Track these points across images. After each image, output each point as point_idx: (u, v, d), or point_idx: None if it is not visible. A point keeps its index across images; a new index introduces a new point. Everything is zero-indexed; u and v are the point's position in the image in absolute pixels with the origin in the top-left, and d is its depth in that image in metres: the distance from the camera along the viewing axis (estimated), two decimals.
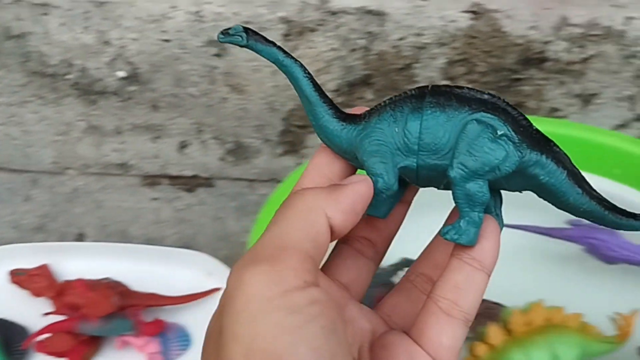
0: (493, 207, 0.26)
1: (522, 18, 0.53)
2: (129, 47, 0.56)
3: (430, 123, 0.24)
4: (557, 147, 0.25)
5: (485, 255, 0.25)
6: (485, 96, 0.25)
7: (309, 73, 0.28)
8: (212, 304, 0.55)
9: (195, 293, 0.55)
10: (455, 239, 0.24)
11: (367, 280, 0.28)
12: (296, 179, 0.48)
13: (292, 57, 0.28)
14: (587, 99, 0.56)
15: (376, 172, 0.25)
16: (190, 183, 0.64)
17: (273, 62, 0.28)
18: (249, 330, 0.20)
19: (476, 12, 0.53)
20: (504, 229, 0.26)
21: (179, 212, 0.65)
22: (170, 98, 0.59)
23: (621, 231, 0.49)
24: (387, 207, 0.27)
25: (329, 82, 0.57)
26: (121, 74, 0.57)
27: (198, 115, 0.60)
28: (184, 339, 0.54)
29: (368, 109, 0.27)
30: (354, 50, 0.55)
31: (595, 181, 0.52)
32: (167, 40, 0.56)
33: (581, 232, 0.49)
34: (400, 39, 0.54)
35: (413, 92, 0.25)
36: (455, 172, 0.24)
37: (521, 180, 0.25)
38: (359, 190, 0.24)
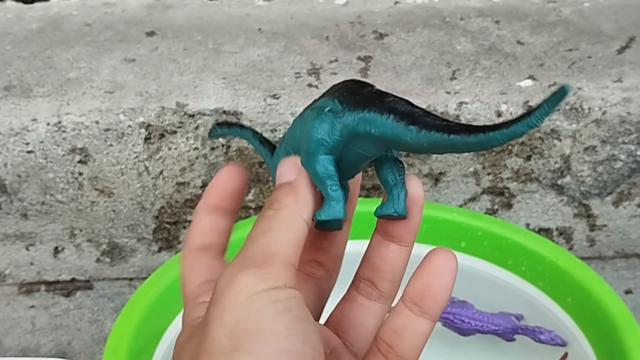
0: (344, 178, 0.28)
1: None
2: None
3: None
4: (394, 97, 0.26)
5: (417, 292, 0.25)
6: (346, 83, 0.27)
7: (259, 135, 0.32)
8: None
9: None
10: (323, 218, 0.26)
11: (321, 301, 0.30)
12: (165, 272, 0.50)
13: (249, 129, 0.32)
14: (437, 177, 0.60)
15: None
16: (68, 287, 0.65)
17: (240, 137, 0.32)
18: (234, 315, 0.23)
19: None
20: None
21: (56, 319, 0.65)
22: (39, 206, 0.60)
23: (471, 302, 0.53)
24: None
25: (195, 179, 0.59)
26: None
27: (69, 220, 0.61)
28: None
29: None
30: (214, 148, 0.58)
31: None
32: (30, 152, 0.57)
33: None
34: None
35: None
36: (301, 160, 0.27)
37: (366, 142, 0.26)
38: (305, 177, 0.27)
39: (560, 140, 0.58)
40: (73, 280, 0.64)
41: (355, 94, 0.26)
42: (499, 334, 0.50)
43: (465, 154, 0.59)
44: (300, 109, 0.58)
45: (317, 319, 0.30)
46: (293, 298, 0.24)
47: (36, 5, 0.73)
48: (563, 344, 0.47)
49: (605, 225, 0.63)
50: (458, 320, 0.50)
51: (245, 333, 0.23)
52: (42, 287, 0.65)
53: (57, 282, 0.64)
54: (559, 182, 0.60)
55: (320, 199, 0.27)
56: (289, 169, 0.27)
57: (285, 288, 0.24)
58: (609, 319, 0.45)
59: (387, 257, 0.28)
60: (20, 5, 0.73)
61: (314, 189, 0.27)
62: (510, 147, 0.58)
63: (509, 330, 0.50)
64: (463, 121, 0.58)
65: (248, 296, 0.23)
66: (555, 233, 0.63)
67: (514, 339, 0.50)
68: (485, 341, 0.51)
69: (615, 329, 0.44)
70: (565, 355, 0.48)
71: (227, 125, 0.33)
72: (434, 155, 0.59)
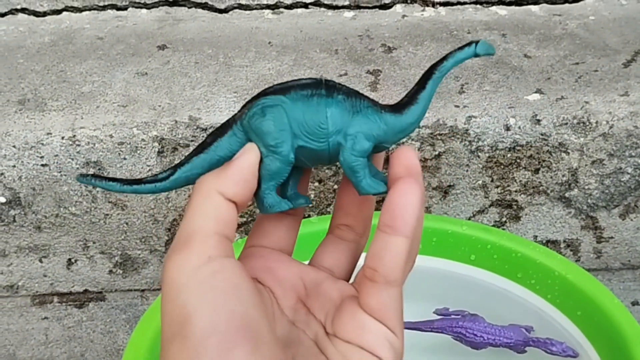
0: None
1: None
2: (7, 174, 0.58)
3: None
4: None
5: (388, 217, 0.26)
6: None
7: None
8: None
9: None
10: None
11: (352, 262, 0.31)
12: None
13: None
14: (445, 190, 0.61)
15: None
16: (81, 299, 0.65)
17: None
18: (169, 303, 0.25)
19: None
20: None
21: (69, 330, 0.66)
22: (53, 219, 0.60)
23: (482, 315, 0.54)
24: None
25: None
26: (1, 199, 0.59)
27: (83, 233, 0.61)
28: None
29: None
30: None
31: (454, 267, 0.56)
32: (45, 165, 0.58)
33: (449, 322, 0.53)
34: None
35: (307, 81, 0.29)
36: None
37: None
38: (243, 161, 0.28)
39: (568, 153, 0.59)
40: (86, 291, 0.65)
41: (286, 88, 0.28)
42: (510, 346, 0.51)
43: (475, 167, 0.60)
44: None
45: (347, 278, 0.31)
46: (218, 271, 0.26)
47: (48, 18, 0.74)
48: (575, 355, 0.48)
49: (612, 237, 0.63)
50: (470, 334, 0.51)
51: (178, 320, 0.25)
52: (55, 299, 0.65)
53: (70, 293, 0.65)
54: (567, 194, 0.61)
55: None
56: (238, 153, 0.28)
57: (208, 262, 0.26)
58: (618, 332, 0.45)
59: (356, 200, 0.30)
60: (33, 18, 0.74)
61: (255, 171, 0.28)
62: (518, 161, 0.59)
63: (521, 342, 0.50)
64: (472, 135, 0.58)
65: (176, 285, 0.25)
66: (562, 245, 0.64)
67: (525, 351, 0.51)
68: (497, 354, 0.52)
69: (625, 342, 0.44)
70: None
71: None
72: (443, 168, 0.60)
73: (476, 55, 0.29)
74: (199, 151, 0.30)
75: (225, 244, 0.27)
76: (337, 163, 0.29)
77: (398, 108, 0.29)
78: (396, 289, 0.27)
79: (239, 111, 0.29)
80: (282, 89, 0.28)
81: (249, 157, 0.28)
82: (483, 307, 0.53)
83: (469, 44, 0.29)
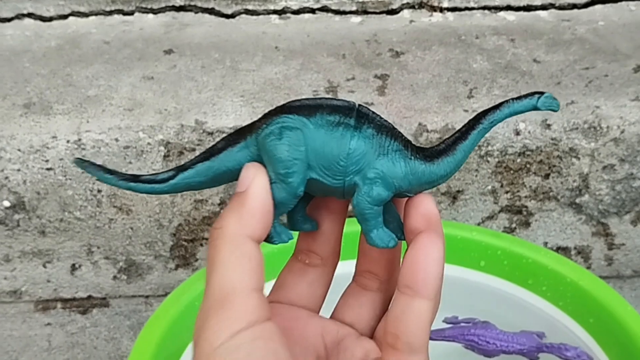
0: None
1: None
2: (12, 178, 0.57)
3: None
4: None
5: (410, 279, 0.25)
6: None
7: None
8: None
9: None
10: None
11: (374, 314, 0.29)
12: (185, 290, 0.50)
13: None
14: (454, 195, 0.60)
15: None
16: (85, 305, 0.65)
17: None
18: None
19: None
20: None
21: (72, 336, 0.65)
22: (58, 223, 0.60)
23: (493, 322, 0.53)
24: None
25: (213, 197, 0.60)
26: (6, 203, 0.58)
27: (87, 238, 0.61)
28: None
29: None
30: None
31: (463, 273, 0.55)
32: (49, 169, 0.57)
33: (460, 330, 0.52)
34: None
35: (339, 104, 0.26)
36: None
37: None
38: (259, 192, 0.25)
39: (579, 158, 0.58)
40: (89, 297, 0.64)
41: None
42: (524, 353, 0.50)
43: (484, 172, 0.59)
44: None
45: (372, 332, 0.29)
46: (259, 337, 0.24)
47: (54, 23, 0.74)
48: None
49: (623, 244, 0.63)
50: (483, 342, 0.50)
51: None
52: (59, 305, 0.65)
53: (74, 299, 0.64)
54: (577, 200, 0.60)
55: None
56: (245, 177, 0.26)
57: (247, 329, 0.24)
58: (632, 340, 0.44)
59: (374, 254, 0.28)
60: (39, 23, 0.74)
61: (269, 199, 0.25)
62: (528, 166, 0.58)
63: (534, 348, 0.49)
64: (481, 140, 0.58)
65: (213, 349, 0.23)
66: (573, 252, 0.63)
67: (538, 358, 0.50)
68: None
69: (639, 350, 0.43)
70: None
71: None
72: None
73: (536, 108, 0.26)
74: (205, 157, 0.27)
75: (264, 304, 0.25)
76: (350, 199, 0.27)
77: (431, 156, 0.26)
78: (421, 356, 0.25)
79: (257, 121, 0.27)
80: (308, 108, 0.26)
81: (259, 183, 0.25)
82: (493, 314, 0.52)
83: (530, 95, 0.26)
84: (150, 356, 0.45)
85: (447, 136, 0.57)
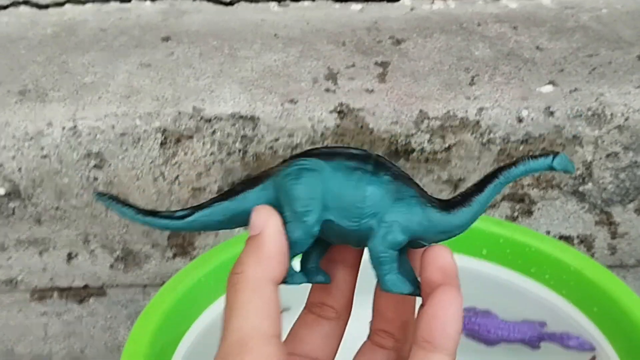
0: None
1: (385, 115, 0.57)
2: (7, 165, 0.56)
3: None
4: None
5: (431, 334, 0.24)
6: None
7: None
8: None
9: None
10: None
11: (336, 343, 0.29)
12: (181, 279, 0.49)
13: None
14: (456, 183, 0.60)
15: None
16: (82, 294, 0.64)
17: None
18: None
19: (342, 112, 0.57)
20: None
21: (69, 326, 0.64)
22: (53, 211, 0.59)
23: (494, 311, 0.52)
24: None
25: (211, 185, 0.59)
26: (1, 191, 0.57)
27: (83, 226, 0.60)
28: None
29: None
30: (230, 153, 0.57)
31: (465, 261, 0.55)
32: (45, 157, 0.56)
33: None
34: (274, 140, 0.57)
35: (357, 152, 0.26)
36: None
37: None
38: (274, 233, 0.25)
39: (582, 146, 0.57)
40: (86, 286, 0.64)
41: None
42: (525, 342, 0.49)
43: (486, 160, 0.58)
44: (318, 114, 0.58)
45: None
46: None
47: (50, 10, 0.73)
48: (592, 349, 0.46)
49: (627, 233, 0.62)
50: (484, 330, 0.49)
51: None
52: (55, 294, 0.64)
53: (70, 288, 0.64)
54: (580, 189, 0.60)
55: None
56: (257, 219, 0.26)
57: None
58: (636, 329, 0.44)
59: (392, 303, 0.28)
60: (35, 10, 0.73)
61: (284, 240, 0.26)
62: (531, 153, 0.58)
63: (535, 337, 0.49)
64: (484, 127, 0.57)
65: None
66: (576, 241, 0.62)
67: (540, 347, 0.49)
68: (511, 350, 0.50)
69: None
70: (593, 358, 0.47)
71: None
72: (454, 161, 0.58)
73: (552, 168, 0.26)
74: (223, 198, 0.28)
75: (282, 351, 0.25)
76: (365, 248, 0.27)
77: (447, 206, 0.26)
78: None
79: (276, 166, 0.27)
80: (326, 154, 0.26)
81: (275, 226, 0.26)
82: (495, 303, 0.51)
83: (546, 154, 0.26)
84: (147, 345, 0.45)
85: (449, 123, 0.57)
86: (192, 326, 0.48)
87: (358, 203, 0.25)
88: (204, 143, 0.57)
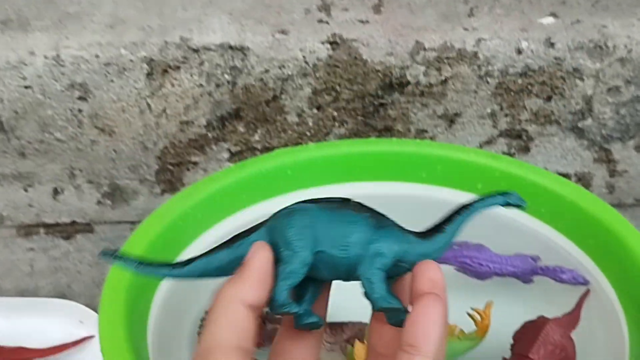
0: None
1: (379, 45, 0.55)
2: None
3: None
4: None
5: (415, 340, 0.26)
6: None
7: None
8: (83, 354, 0.53)
9: (64, 344, 0.53)
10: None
11: (318, 353, 0.31)
12: (167, 210, 0.48)
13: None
14: (451, 119, 0.58)
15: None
16: (68, 230, 0.63)
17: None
18: None
19: (335, 43, 0.55)
20: None
21: (55, 261, 0.63)
22: (38, 144, 0.57)
23: (489, 246, 0.51)
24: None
25: (199, 118, 0.57)
26: None
27: (69, 160, 0.58)
28: None
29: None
30: (219, 85, 0.56)
31: (459, 196, 0.54)
32: (27, 87, 0.55)
33: (452, 252, 0.50)
34: (264, 71, 0.55)
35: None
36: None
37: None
38: (256, 261, 0.28)
39: (583, 80, 0.56)
40: (73, 223, 0.62)
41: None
42: (517, 275, 0.48)
43: (483, 94, 0.56)
44: (311, 45, 0.56)
45: None
46: None
47: None
48: (585, 283, 0.45)
49: (626, 171, 0.60)
50: (476, 263, 0.48)
51: None
52: (42, 230, 0.63)
53: (57, 224, 0.63)
54: (580, 124, 0.58)
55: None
56: (250, 251, 0.29)
57: None
58: (634, 262, 0.42)
59: (386, 338, 0.30)
60: None
61: (265, 269, 0.28)
62: (530, 87, 0.56)
63: (528, 271, 0.48)
64: (482, 59, 0.55)
65: None
66: (573, 179, 0.61)
67: (532, 281, 0.48)
68: (503, 284, 0.49)
69: None
70: (587, 292, 0.46)
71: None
72: (450, 95, 0.56)
73: (508, 204, 0.31)
74: (222, 247, 0.30)
75: (244, 357, 0.27)
76: (355, 279, 0.29)
77: (423, 234, 0.29)
78: None
79: (266, 220, 0.30)
80: (311, 201, 0.30)
81: (260, 256, 0.28)
82: (488, 238, 0.50)
83: (502, 193, 0.31)
84: (129, 276, 0.44)
85: (446, 54, 0.55)
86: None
87: (346, 233, 0.28)
88: (191, 74, 0.55)
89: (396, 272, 0.29)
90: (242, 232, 0.30)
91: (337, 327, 0.48)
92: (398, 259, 0.28)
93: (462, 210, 0.30)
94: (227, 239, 0.30)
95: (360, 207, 0.29)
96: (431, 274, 0.27)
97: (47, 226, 0.63)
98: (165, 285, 0.46)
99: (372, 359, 0.30)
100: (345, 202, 0.29)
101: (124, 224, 0.62)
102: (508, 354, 0.44)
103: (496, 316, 0.46)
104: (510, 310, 0.48)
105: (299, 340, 0.31)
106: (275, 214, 0.30)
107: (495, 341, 0.45)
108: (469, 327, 0.45)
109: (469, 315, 0.45)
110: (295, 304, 0.29)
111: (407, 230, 0.29)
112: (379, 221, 0.29)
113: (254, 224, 0.30)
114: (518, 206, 0.31)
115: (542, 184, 0.48)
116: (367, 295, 0.28)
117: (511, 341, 0.45)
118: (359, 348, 0.43)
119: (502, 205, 0.31)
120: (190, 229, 0.48)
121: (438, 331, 0.25)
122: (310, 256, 0.28)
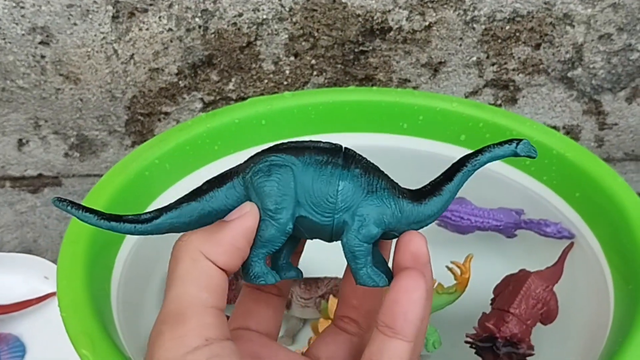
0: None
1: None
2: None
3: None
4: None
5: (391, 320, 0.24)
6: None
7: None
8: (47, 311, 0.51)
9: (28, 300, 0.51)
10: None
11: (349, 354, 0.29)
12: (133, 159, 0.45)
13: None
14: (436, 67, 0.55)
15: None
16: (35, 184, 0.60)
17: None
18: None
19: None
20: None
21: (21, 215, 0.61)
22: (0, 93, 0.54)
23: (469, 199, 0.49)
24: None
25: (170, 65, 0.54)
26: None
27: (33, 110, 0.56)
28: (18, 349, 0.50)
29: None
30: (190, 30, 0.53)
31: (441, 148, 0.51)
32: None
33: None
34: (238, 15, 0.52)
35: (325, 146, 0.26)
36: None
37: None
38: (239, 227, 0.25)
39: (574, 26, 0.53)
40: (40, 176, 0.60)
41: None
42: (500, 230, 0.46)
43: (469, 41, 0.53)
44: None
45: None
46: (216, 355, 0.23)
47: None
48: (571, 236, 0.44)
49: (616, 124, 0.58)
50: (457, 217, 0.46)
51: None
52: (7, 183, 0.60)
53: (23, 177, 0.60)
54: (569, 74, 0.55)
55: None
56: (236, 210, 0.26)
57: (205, 346, 0.23)
58: (621, 213, 0.40)
59: (360, 291, 0.28)
60: None
61: (251, 241, 0.25)
62: (518, 34, 0.53)
63: (511, 225, 0.46)
64: (468, 3, 0.52)
65: None
66: (562, 132, 0.58)
67: (516, 235, 0.46)
68: (485, 239, 0.48)
69: (627, 223, 0.39)
70: (571, 245, 0.44)
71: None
72: (434, 42, 0.54)
73: (515, 154, 0.26)
74: (190, 198, 0.27)
75: (222, 322, 0.24)
76: (338, 241, 0.26)
77: (418, 196, 0.26)
78: None
79: (244, 162, 0.27)
80: (296, 149, 0.26)
81: (246, 222, 0.25)
82: (471, 192, 0.48)
83: (509, 141, 0.26)
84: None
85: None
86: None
87: (331, 198, 0.25)
88: (160, 17, 0.52)
89: (385, 237, 0.27)
90: (213, 180, 0.27)
91: (312, 282, 0.46)
92: (387, 229, 0.26)
93: (464, 166, 0.27)
94: (196, 187, 0.27)
95: (351, 161, 0.26)
96: (414, 247, 0.25)
97: (13, 179, 0.60)
98: (132, 238, 0.44)
99: (343, 310, 0.29)
100: (335, 152, 0.26)
101: (93, 177, 0.60)
102: (488, 309, 0.43)
103: (476, 270, 0.44)
104: (491, 263, 0.46)
105: (262, 302, 0.29)
106: (252, 159, 0.26)
107: (475, 296, 0.43)
108: (449, 281, 0.44)
109: (448, 268, 0.43)
110: (271, 274, 0.26)
111: (401, 191, 0.26)
112: (370, 182, 0.26)
113: (226, 170, 0.27)
114: (529, 156, 0.26)
115: (528, 135, 0.46)
116: (350, 268, 0.26)
117: (492, 296, 0.43)
118: (333, 304, 0.41)
119: (511, 157, 0.27)
120: (158, 180, 0.45)
121: (418, 312, 0.24)
122: (291, 224, 0.26)
